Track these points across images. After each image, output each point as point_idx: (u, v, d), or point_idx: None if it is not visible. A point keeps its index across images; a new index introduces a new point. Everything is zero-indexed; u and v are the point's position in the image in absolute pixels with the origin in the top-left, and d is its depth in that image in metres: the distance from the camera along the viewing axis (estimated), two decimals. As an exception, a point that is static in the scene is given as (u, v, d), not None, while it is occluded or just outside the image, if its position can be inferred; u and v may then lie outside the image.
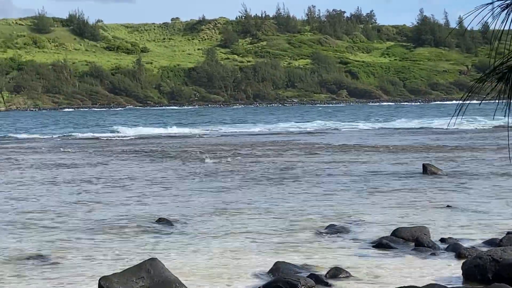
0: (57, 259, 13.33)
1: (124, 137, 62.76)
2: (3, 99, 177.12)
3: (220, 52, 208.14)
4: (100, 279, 10.49)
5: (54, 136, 64.33)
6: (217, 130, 72.37)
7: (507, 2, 4.37)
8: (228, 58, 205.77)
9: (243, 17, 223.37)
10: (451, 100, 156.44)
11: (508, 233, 13.79)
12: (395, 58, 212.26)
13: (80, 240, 15.25)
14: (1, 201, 21.68)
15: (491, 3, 4.66)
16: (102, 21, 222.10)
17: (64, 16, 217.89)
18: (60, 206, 20.29)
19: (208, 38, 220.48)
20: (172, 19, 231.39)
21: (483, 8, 4.69)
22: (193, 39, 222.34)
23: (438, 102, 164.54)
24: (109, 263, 12.59)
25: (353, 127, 73.67)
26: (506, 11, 4.48)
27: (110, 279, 10.37)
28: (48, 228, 16.97)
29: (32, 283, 11.82)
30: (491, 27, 4.98)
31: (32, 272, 12.44)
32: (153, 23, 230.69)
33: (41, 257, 13.53)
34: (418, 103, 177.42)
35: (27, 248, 14.45)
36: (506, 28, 4.82)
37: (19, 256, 13.70)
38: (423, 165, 27.61)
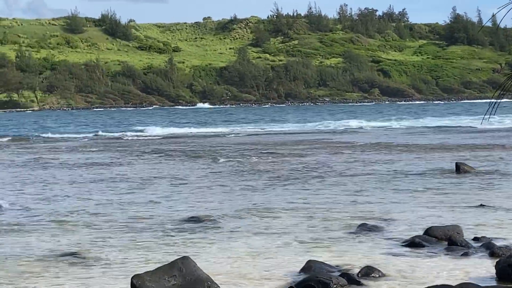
0: (90, 257, 13.41)
1: (151, 136, 63.37)
2: (37, 98, 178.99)
3: (252, 51, 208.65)
4: (132, 277, 10.50)
5: (84, 135, 65.04)
6: (246, 129, 72.49)
7: None
8: (260, 57, 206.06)
9: (274, 16, 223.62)
10: (484, 99, 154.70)
11: None
12: (428, 56, 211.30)
13: (112, 239, 15.32)
14: (34, 200, 21.69)
15: None
16: (134, 21, 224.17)
17: (97, 16, 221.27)
18: (92, 205, 20.45)
19: (239, 37, 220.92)
20: (204, 19, 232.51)
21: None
22: (224, 38, 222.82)
23: (471, 101, 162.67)
24: (141, 261, 12.67)
25: (385, 125, 73.09)
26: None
27: (143, 278, 10.39)
28: (81, 226, 17.09)
29: (66, 280, 11.83)
30: None
31: (66, 270, 12.50)
32: (184, 23, 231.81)
33: (75, 254, 13.59)
34: (452, 101, 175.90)
35: (61, 246, 14.49)
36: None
37: (54, 254, 13.74)
38: (456, 163, 27.36)
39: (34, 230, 16.36)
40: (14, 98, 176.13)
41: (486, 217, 16.50)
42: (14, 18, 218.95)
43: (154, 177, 28.18)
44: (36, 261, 13.13)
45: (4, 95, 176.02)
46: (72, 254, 13.50)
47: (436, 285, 7.95)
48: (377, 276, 11.40)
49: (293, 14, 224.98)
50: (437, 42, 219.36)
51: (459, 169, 26.63)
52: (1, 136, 62.95)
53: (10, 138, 60.60)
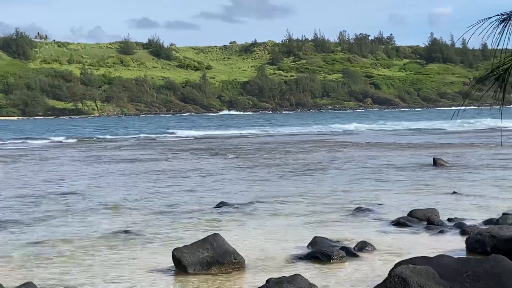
0: (139, 235, 13.50)
1: (183, 137, 63.46)
2: (97, 107, 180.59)
3: (269, 68, 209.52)
4: (173, 250, 10.67)
5: (132, 136, 65.49)
6: (262, 131, 72.75)
7: (504, 16, 4.27)
8: (275, 73, 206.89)
9: (287, 40, 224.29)
10: (456, 107, 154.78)
11: (504, 214, 13.75)
12: (411, 72, 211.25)
13: (157, 220, 15.32)
14: (91, 189, 21.85)
15: (489, 18, 4.57)
16: (174, 44, 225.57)
17: (145, 40, 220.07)
18: (139, 193, 20.45)
19: (259, 57, 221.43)
20: (230, 42, 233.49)
21: (482, 22, 4.59)
22: (247, 58, 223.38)
23: (446, 108, 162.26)
24: (180, 238, 12.71)
25: (374, 127, 73.04)
26: (503, 24, 4.38)
27: (182, 250, 10.53)
28: (131, 210, 17.15)
29: (122, 251, 12.06)
30: (490, 39, 4.91)
31: (122, 244, 12.65)
32: (215, 46, 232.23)
33: (128, 232, 13.71)
34: (430, 108, 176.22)
35: (116, 226, 14.57)
36: (504, 40, 4.74)
37: (111, 232, 13.84)
38: (433, 159, 27.33)
39: (93, 213, 16.40)
40: (79, 107, 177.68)
41: (458, 202, 16.62)
42: (78, 43, 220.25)
43: (187, 170, 28.06)
44: (98, 238, 13.22)
45: (71, 104, 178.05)
46: (126, 231, 13.55)
47: (417, 257, 7.92)
48: (370, 249, 11.57)
49: (302, 38, 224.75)
50: (418, 60, 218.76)
51: (436, 163, 26.59)
52: (70, 137, 63.12)
53: (76, 139, 60.75)
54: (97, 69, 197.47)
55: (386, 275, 7.13)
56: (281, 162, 30.91)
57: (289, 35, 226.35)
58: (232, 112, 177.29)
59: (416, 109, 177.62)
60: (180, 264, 10.31)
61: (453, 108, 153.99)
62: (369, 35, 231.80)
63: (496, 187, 19.63)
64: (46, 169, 29.17)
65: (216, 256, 10.47)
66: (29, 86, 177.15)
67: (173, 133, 70.06)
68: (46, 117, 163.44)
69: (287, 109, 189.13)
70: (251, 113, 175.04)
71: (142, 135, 68.39)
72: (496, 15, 4.51)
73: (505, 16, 4.37)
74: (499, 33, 4.55)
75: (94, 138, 62.79)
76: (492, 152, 33.27)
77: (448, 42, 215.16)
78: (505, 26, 4.46)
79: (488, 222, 13.34)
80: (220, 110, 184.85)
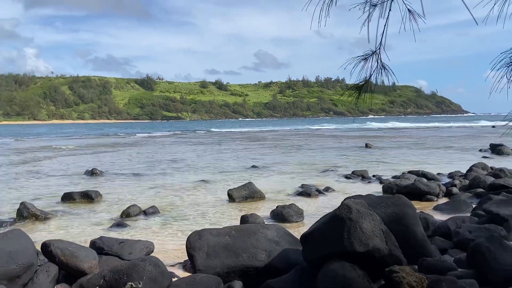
0: (212, 182, 13.18)
1: (231, 131, 61.74)
2: (188, 116, 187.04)
3: (278, 95, 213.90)
4: (228, 190, 10.51)
5: (206, 131, 64.12)
6: (274, 129, 71.55)
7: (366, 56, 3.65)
8: (282, 98, 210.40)
9: (288, 80, 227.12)
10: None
11: (402, 173, 13.64)
12: (351, 97, 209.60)
13: (219, 174, 14.85)
14: (183, 158, 21.27)
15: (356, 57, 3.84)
16: (229, 82, 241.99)
17: (213, 80, 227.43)
18: (208, 160, 19.75)
19: (273, 90, 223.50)
20: (258, 82, 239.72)
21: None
22: (267, 90, 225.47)
23: (374, 117, 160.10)
24: (232, 183, 12.41)
25: (333, 127, 72.11)
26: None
27: (232, 190, 10.50)
28: (203, 169, 16.35)
29: (200, 193, 11.72)
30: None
31: (200, 189, 12.33)
32: (249, 83, 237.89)
33: (204, 181, 13.24)
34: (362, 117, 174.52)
35: (196, 178, 14.01)
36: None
37: (194, 181, 13.33)
38: (366, 143, 26.88)
39: (184, 171, 15.88)
40: (179, 115, 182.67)
41: (380, 166, 16.37)
42: (179, 82, 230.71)
43: (232, 148, 27.17)
44: (188, 183, 13.07)
45: (175, 114, 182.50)
46: (203, 181, 13.27)
47: (356, 194, 7.89)
48: (331, 191, 11.50)
49: (295, 79, 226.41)
50: (357, 91, 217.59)
51: (367, 145, 26.19)
52: (172, 131, 63.71)
53: (178, 132, 61.18)
54: (188, 95, 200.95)
55: (339, 204, 7.09)
56: (283, 144, 30.51)
57: (289, 78, 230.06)
58: (259, 118, 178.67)
59: (356, 117, 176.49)
60: (231, 197, 10.22)
61: (370, 117, 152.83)
62: (331, 78, 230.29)
63: (397, 158, 19.34)
64: (159, 148, 29.09)
65: (250, 193, 10.44)
66: (153, 104, 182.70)
67: (209, 130, 70.00)
68: (161, 121, 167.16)
69: (288, 117, 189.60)
70: (269, 119, 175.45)
71: (212, 129, 68.33)
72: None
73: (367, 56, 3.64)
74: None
75: (185, 132, 63.10)
76: (391, 140, 32.60)
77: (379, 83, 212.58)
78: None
79: (394, 177, 13.22)
80: (252, 117, 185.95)
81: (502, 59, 2.93)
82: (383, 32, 2.90)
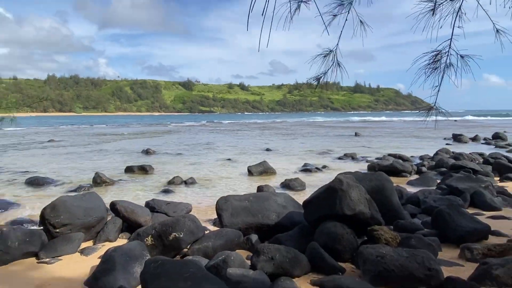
0: (234, 161, 12.83)
1: (252, 121, 59.72)
2: (218, 109, 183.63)
3: (288, 95, 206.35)
4: (248, 167, 10.29)
5: (231, 122, 62.13)
6: (283, 120, 69.73)
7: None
8: (291, 97, 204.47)
9: (295, 83, 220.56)
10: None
11: (384, 155, 13.28)
12: (346, 97, 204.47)
13: (240, 155, 14.46)
14: (213, 141, 20.92)
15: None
16: (249, 84, 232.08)
17: (238, 83, 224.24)
18: (231, 143, 19.52)
19: (283, 91, 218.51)
20: (272, 83, 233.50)
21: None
22: (279, 90, 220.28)
23: (362, 112, 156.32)
24: (249, 162, 12.13)
25: (327, 120, 69.85)
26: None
27: (251, 166, 10.33)
28: (225, 150, 15.90)
29: (227, 167, 11.44)
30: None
31: (226, 165, 11.99)
32: (265, 85, 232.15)
33: (230, 160, 12.88)
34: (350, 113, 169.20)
35: (223, 156, 13.65)
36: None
37: (223, 159, 13.03)
38: (355, 132, 26.24)
39: (215, 152, 15.54)
40: (211, 109, 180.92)
41: (365, 150, 15.90)
42: (212, 84, 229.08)
43: (250, 134, 26.23)
44: (217, 160, 12.84)
45: (208, 108, 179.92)
46: (228, 159, 13.04)
47: (347, 171, 7.76)
48: (328, 169, 11.22)
49: (301, 82, 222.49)
50: (350, 92, 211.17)
51: (356, 134, 25.54)
52: (203, 122, 62.46)
53: (209, 122, 60.90)
54: (218, 94, 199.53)
55: (333, 178, 7.03)
56: (290, 132, 29.61)
57: (296, 81, 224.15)
58: (272, 113, 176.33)
59: (348, 112, 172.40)
60: (250, 172, 10.04)
61: (361, 112, 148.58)
62: (329, 81, 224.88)
63: (380, 144, 18.76)
64: (196, 134, 28.60)
65: (265, 169, 10.27)
66: (192, 101, 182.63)
67: (220, 122, 68.81)
68: (198, 113, 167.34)
69: (295, 111, 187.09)
70: (280, 113, 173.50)
71: (236, 120, 66.35)
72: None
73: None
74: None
75: (215, 122, 62.32)
76: (374, 130, 31.24)
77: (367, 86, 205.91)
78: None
79: (377, 158, 12.98)
80: (267, 112, 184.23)
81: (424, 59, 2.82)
82: (339, 36, 2.81)
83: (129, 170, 10.56)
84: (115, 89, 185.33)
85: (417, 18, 2.59)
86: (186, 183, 8.96)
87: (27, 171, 10.51)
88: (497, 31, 2.51)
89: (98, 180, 8.70)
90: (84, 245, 4.70)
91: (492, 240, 4.31)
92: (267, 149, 16.48)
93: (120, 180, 9.36)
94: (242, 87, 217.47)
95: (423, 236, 4.12)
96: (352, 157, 13.25)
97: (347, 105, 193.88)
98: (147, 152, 15.11)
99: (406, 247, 3.78)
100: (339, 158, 13.29)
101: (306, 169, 10.81)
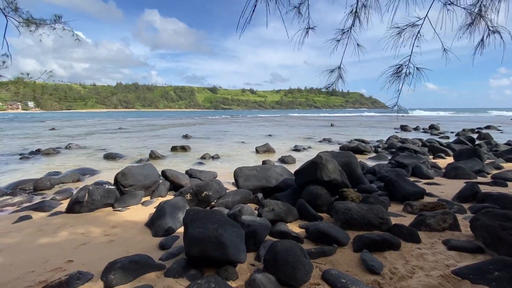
0: (247, 143, 12.15)
1: (258, 116, 57.02)
2: (235, 107, 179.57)
3: (284, 97, 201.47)
4: (256, 147, 9.74)
5: (243, 115, 59.87)
6: (286, 115, 66.79)
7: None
8: (287, 99, 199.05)
9: (289, 88, 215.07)
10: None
11: (351, 140, 12.50)
12: (323, 98, 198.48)
13: (252, 139, 13.79)
14: (231, 131, 19.82)
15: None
16: (257, 90, 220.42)
17: (249, 88, 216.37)
18: (246, 131, 18.75)
19: (281, 94, 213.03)
20: (273, 89, 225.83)
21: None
22: (278, 93, 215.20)
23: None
24: (257, 144, 11.54)
25: (318, 115, 65.75)
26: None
27: (257, 147, 9.83)
28: (239, 137, 15.54)
29: (241, 148, 10.76)
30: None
31: (241, 147, 11.14)
32: (267, 90, 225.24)
33: (243, 142, 12.26)
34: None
35: (239, 139, 13.27)
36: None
37: (237, 141, 12.44)
38: (331, 123, 24.97)
39: (232, 136, 14.90)
40: (230, 107, 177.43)
41: (338, 136, 14.58)
42: (231, 89, 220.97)
43: (255, 125, 25.17)
44: (232, 143, 12.35)
45: (227, 107, 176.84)
46: (242, 142, 12.53)
47: (325, 151, 7.67)
48: (311, 148, 10.56)
49: (296, 87, 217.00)
50: (327, 95, 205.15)
51: (332, 125, 23.97)
52: (227, 116, 59.39)
53: (228, 116, 59.42)
54: (235, 96, 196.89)
55: (315, 155, 6.90)
56: (284, 124, 28.40)
57: (290, 87, 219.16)
58: (273, 109, 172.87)
59: (326, 109, 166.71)
60: (257, 151, 9.40)
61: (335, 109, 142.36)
62: (313, 87, 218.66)
63: (349, 132, 17.72)
64: (218, 125, 27.44)
65: (267, 149, 9.67)
66: (217, 101, 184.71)
67: (235, 116, 66.10)
68: (220, 110, 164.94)
69: (288, 109, 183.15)
70: (278, 109, 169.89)
71: (246, 115, 64.63)
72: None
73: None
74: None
75: (232, 116, 60.74)
76: (345, 123, 29.72)
77: (345, 90, 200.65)
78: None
79: (347, 141, 12.48)
80: (269, 109, 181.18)
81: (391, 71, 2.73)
82: (342, 57, 2.73)
83: (173, 149, 10.57)
84: (163, 93, 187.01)
85: (387, 40, 2.50)
86: (213, 157, 8.74)
87: (104, 149, 10.63)
88: (444, 50, 2.43)
89: (153, 155, 8.73)
90: (144, 199, 4.81)
91: (427, 199, 4.33)
92: (269, 135, 15.88)
93: (168, 155, 9.28)
94: (251, 91, 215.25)
95: (378, 196, 4.16)
96: (329, 141, 12.76)
97: (325, 104, 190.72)
98: (186, 136, 14.96)
99: (366, 203, 3.83)
100: (319, 142, 12.77)
101: (296, 149, 10.41)
